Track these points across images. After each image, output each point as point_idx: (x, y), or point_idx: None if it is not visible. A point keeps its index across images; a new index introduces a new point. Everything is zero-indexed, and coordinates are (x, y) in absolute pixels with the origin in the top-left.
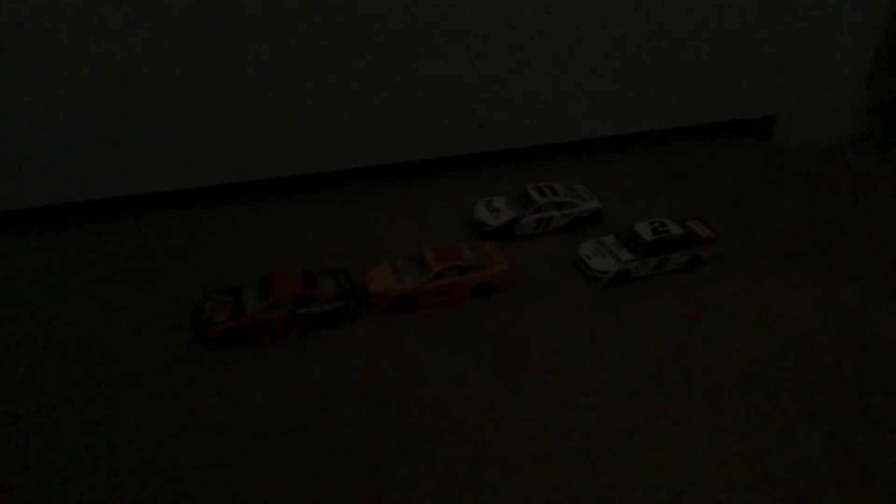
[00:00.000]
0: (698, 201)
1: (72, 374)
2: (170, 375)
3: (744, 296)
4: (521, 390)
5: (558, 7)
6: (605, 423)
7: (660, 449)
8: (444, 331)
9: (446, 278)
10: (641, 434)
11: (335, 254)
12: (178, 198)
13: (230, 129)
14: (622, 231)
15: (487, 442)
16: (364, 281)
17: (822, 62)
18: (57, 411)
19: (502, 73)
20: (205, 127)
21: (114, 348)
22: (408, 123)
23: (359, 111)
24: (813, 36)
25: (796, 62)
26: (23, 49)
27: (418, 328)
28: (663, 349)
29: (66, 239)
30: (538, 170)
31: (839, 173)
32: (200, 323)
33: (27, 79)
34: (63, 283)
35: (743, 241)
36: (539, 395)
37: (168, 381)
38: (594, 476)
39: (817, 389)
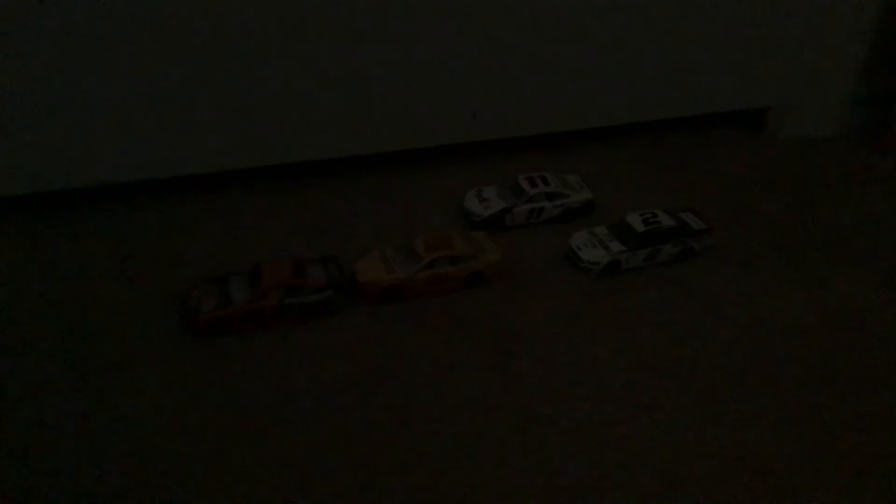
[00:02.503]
0: (691, 192)
1: (56, 364)
2: (156, 365)
3: (736, 287)
4: (513, 381)
5: None
6: (596, 414)
7: (651, 440)
8: (434, 321)
9: (437, 268)
10: (633, 425)
11: (325, 242)
12: (165, 186)
13: (221, 118)
14: (614, 222)
15: (478, 433)
16: (354, 270)
17: (817, 55)
18: (41, 401)
19: (496, 61)
20: (195, 116)
21: (99, 338)
22: (399, 112)
23: (350, 100)
24: (808, 28)
25: (791, 54)
26: (9, 37)
27: (408, 318)
28: (655, 340)
29: (51, 228)
30: (530, 160)
31: (832, 166)
32: (187, 312)
33: (14, 68)
34: (48, 272)
35: (735, 233)
36: (530, 386)
37: (154, 371)
38: (586, 467)
39: (810, 381)
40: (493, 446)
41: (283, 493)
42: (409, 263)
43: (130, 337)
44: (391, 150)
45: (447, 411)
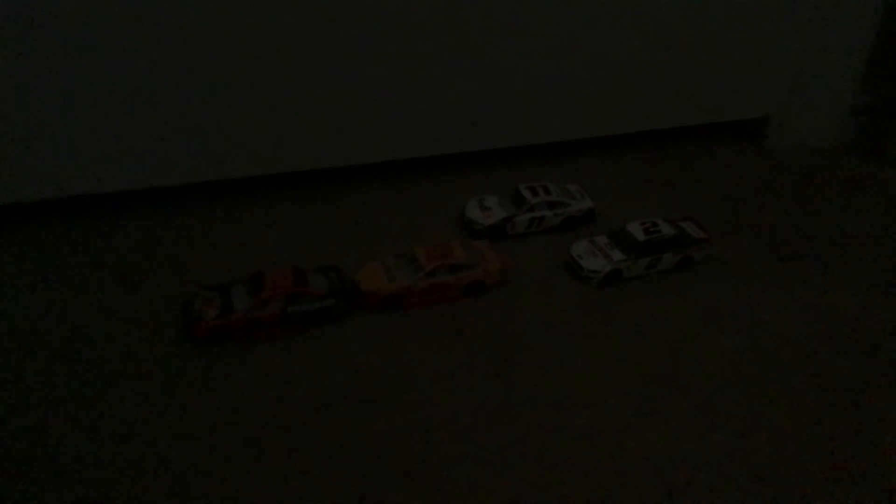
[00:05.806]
0: (691, 202)
1: (58, 372)
2: (158, 373)
3: (735, 296)
4: (513, 390)
5: (553, 7)
6: (596, 423)
7: (651, 449)
8: (435, 330)
9: (438, 277)
10: (633, 434)
11: (327, 251)
12: (166, 194)
13: (220, 127)
14: (614, 231)
15: (478, 442)
16: (355, 279)
17: (815, 65)
18: (43, 409)
19: (496, 70)
20: (196, 124)
21: (101, 345)
22: (399, 121)
23: (352, 109)
24: (805, 39)
25: (789, 64)
26: (14, 42)
27: (409, 327)
28: (655, 349)
29: (52, 236)
30: (531, 169)
31: (831, 175)
32: (189, 320)
33: (19, 73)
34: (49, 280)
35: (735, 242)
36: (530, 395)
37: (156, 379)
38: (586, 476)
39: (809, 390)
40: (493, 456)
41: (283, 502)
42: (410, 272)
43: (132, 345)
44: (392, 160)
45: (447, 420)
